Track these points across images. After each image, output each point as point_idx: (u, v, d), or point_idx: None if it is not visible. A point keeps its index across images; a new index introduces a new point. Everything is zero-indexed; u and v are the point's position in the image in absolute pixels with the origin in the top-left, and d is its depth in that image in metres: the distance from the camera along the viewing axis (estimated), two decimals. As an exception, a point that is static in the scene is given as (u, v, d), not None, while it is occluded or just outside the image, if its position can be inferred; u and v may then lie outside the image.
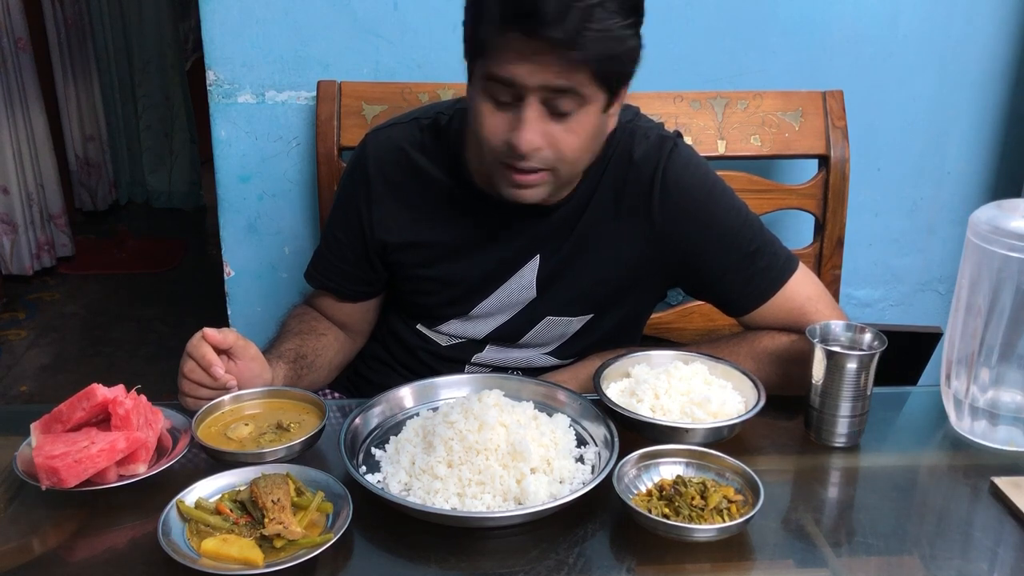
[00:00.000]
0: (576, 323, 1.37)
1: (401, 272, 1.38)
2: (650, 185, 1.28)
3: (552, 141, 1.13)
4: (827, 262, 1.83)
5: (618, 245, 1.31)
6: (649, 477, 1.03)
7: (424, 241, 1.34)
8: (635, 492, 1.01)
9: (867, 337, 1.15)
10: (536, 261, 1.32)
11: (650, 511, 0.95)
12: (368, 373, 1.50)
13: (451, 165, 1.31)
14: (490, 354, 1.40)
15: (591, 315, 1.36)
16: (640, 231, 1.30)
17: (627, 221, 1.30)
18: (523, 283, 1.33)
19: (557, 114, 1.12)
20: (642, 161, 1.28)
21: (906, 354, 1.35)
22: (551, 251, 1.32)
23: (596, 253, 1.32)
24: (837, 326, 1.17)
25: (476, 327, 1.38)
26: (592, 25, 1.04)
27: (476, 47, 1.13)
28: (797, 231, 1.95)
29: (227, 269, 1.89)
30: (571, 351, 1.40)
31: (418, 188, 1.32)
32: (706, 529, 0.94)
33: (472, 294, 1.35)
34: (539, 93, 1.10)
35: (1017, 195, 1.99)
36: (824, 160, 1.81)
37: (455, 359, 1.41)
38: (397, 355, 1.46)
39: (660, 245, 1.31)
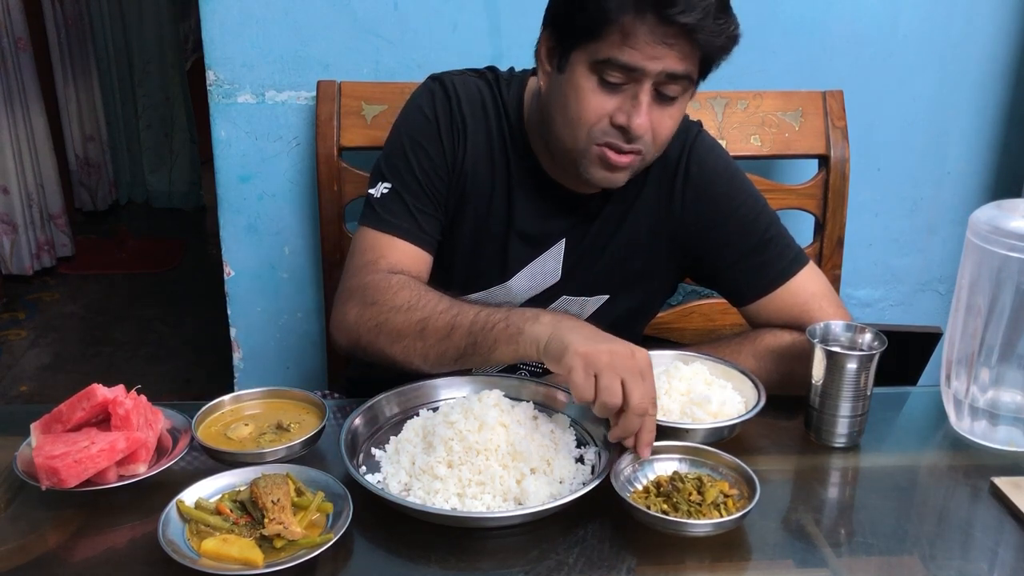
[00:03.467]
0: (591, 305, 1.37)
1: (447, 231, 1.34)
2: (675, 168, 1.32)
3: (655, 125, 1.17)
4: (827, 262, 1.83)
5: (638, 226, 1.34)
6: (644, 474, 1.03)
7: (477, 198, 1.32)
8: (632, 489, 1.01)
9: (867, 337, 1.15)
10: (561, 246, 1.33)
11: (649, 507, 0.96)
12: (372, 373, 1.50)
13: (511, 131, 1.31)
14: None
15: (606, 296, 1.37)
16: (661, 213, 1.33)
17: (649, 202, 1.33)
18: (549, 268, 1.34)
19: (662, 99, 1.16)
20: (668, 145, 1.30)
21: (906, 354, 1.35)
22: (578, 236, 1.33)
23: (617, 235, 1.34)
24: (837, 326, 1.17)
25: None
26: (718, 13, 1.11)
27: (590, 30, 1.12)
28: (797, 231, 1.93)
29: (227, 269, 1.89)
30: None
31: (486, 142, 1.31)
32: (705, 524, 0.94)
33: (498, 269, 1.35)
34: (656, 78, 1.13)
35: (1017, 195, 1.99)
36: (824, 160, 1.81)
37: None
38: None
39: (678, 227, 1.34)
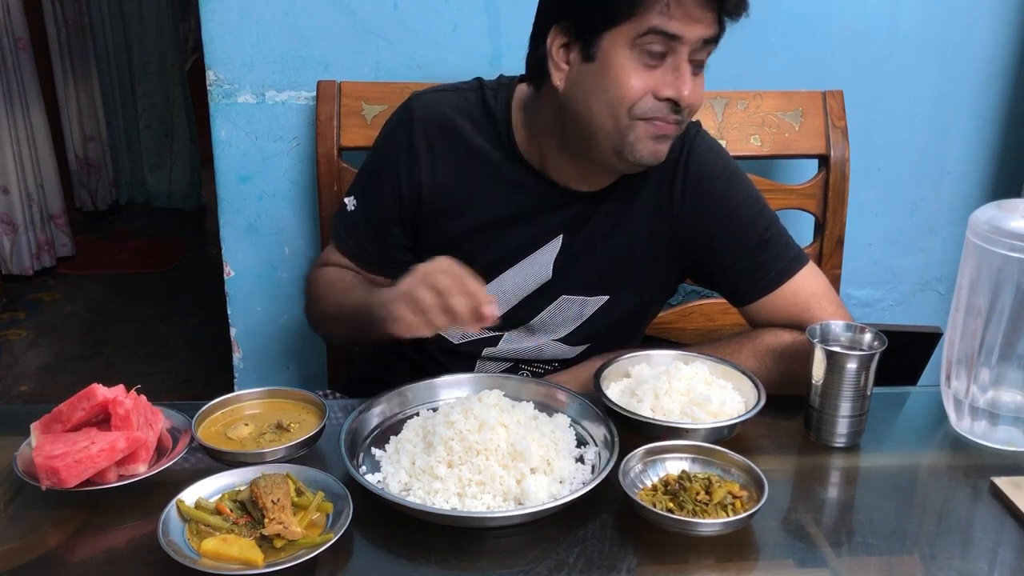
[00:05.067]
0: (591, 304, 1.37)
1: (427, 242, 1.36)
2: (674, 167, 1.32)
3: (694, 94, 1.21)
4: (827, 262, 1.83)
5: (637, 226, 1.34)
6: (655, 472, 1.03)
7: (457, 209, 1.34)
8: (640, 487, 1.01)
9: (867, 337, 1.15)
10: (558, 242, 1.33)
11: (655, 505, 0.96)
12: (372, 372, 1.50)
13: (496, 138, 1.32)
14: (503, 346, 1.40)
15: (606, 297, 1.37)
16: (660, 213, 1.33)
17: (648, 202, 1.33)
18: (539, 265, 1.34)
19: (694, 68, 1.19)
20: None
21: (906, 354, 1.35)
22: (574, 233, 1.33)
23: (615, 233, 1.34)
24: (837, 326, 1.17)
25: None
26: None
27: (630, 6, 1.14)
28: (797, 231, 1.93)
29: (227, 269, 1.89)
30: (581, 336, 1.40)
31: (460, 156, 1.33)
32: (710, 524, 0.94)
33: (492, 271, 1.35)
34: (692, 46, 1.16)
35: (1017, 195, 1.99)
36: (824, 160, 1.81)
37: (467, 354, 1.40)
38: (406, 353, 1.44)
39: (678, 227, 1.34)
